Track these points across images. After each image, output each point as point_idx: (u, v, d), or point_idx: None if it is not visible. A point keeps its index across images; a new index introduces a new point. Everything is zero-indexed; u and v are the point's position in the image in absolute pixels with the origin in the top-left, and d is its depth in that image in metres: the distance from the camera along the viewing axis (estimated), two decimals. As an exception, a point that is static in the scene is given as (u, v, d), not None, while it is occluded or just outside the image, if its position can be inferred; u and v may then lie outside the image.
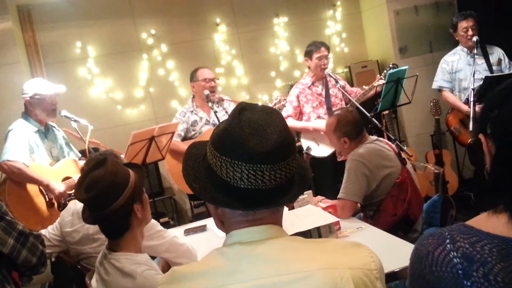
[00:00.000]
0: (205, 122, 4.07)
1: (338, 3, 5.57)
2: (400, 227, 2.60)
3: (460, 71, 4.34)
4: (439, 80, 4.46)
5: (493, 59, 4.25)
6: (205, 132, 4.02)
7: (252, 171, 0.99)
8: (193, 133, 4.08)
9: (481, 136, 1.00)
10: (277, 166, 1.00)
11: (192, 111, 4.09)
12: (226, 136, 1.02)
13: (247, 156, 0.98)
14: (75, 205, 2.47)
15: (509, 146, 0.93)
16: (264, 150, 0.98)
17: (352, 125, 2.81)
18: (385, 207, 2.67)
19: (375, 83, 4.05)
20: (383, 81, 3.93)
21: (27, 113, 3.27)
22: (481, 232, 0.93)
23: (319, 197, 2.95)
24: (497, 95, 0.99)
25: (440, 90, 4.47)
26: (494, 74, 4.12)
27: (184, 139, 4.08)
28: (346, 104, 4.14)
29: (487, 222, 0.95)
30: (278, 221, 1.07)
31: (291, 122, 4.13)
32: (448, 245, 0.93)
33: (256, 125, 1.01)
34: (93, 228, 2.34)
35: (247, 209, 1.02)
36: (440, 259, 0.93)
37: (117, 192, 1.70)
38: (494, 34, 4.41)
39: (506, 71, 4.20)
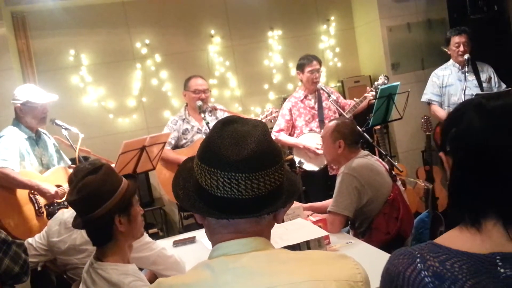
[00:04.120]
0: (196, 131, 4.07)
1: (332, 18, 5.63)
2: (392, 246, 2.59)
3: (450, 86, 4.39)
4: (429, 93, 4.50)
5: (483, 76, 4.30)
6: (197, 141, 4.01)
7: (227, 179, 1.00)
8: (184, 141, 4.07)
9: (441, 154, 1.04)
10: (254, 176, 1.00)
11: (184, 119, 4.09)
12: (207, 145, 1.05)
13: (221, 163, 1.00)
14: (63, 215, 2.45)
15: (464, 161, 0.96)
16: (238, 158, 0.99)
17: (350, 130, 2.83)
18: (377, 225, 2.66)
19: (366, 95, 4.08)
20: (373, 93, 3.96)
21: (18, 120, 3.25)
22: (450, 250, 0.94)
23: (309, 211, 2.94)
24: (454, 115, 1.03)
25: (429, 103, 4.51)
26: (484, 92, 4.16)
27: (176, 147, 4.07)
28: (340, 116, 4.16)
29: (456, 239, 0.96)
30: (263, 233, 1.07)
31: (283, 137, 4.14)
32: (419, 265, 0.94)
33: (238, 135, 1.02)
34: (79, 239, 2.31)
35: (221, 217, 1.02)
36: (411, 279, 0.93)
37: (101, 199, 1.69)
38: (485, 52, 4.47)
39: (495, 89, 4.26)
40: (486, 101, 0.98)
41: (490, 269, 0.90)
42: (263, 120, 4.04)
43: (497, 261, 0.90)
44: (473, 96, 4.02)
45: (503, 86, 4.31)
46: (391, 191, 2.71)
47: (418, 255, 0.95)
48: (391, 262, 0.99)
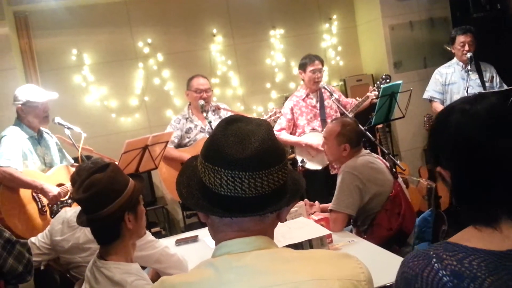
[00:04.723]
0: (200, 130, 4.07)
1: (334, 17, 5.62)
2: (395, 241, 2.60)
3: (453, 84, 4.38)
4: (431, 90, 4.50)
5: (486, 76, 4.30)
6: (200, 140, 4.02)
7: (230, 178, 1.00)
8: (187, 140, 4.08)
9: (439, 169, 1.03)
10: (257, 175, 1.00)
11: (187, 118, 4.10)
12: (211, 144, 1.05)
13: (225, 162, 1.00)
14: (66, 214, 2.45)
15: (462, 169, 0.97)
16: (242, 157, 0.99)
17: (355, 133, 2.82)
18: (379, 221, 2.66)
19: (368, 94, 4.08)
20: (376, 92, 3.95)
21: (20, 120, 3.26)
22: (467, 247, 0.93)
23: (315, 208, 2.93)
24: (439, 127, 1.03)
25: (430, 100, 4.51)
26: (487, 91, 4.16)
27: (179, 146, 4.08)
28: (342, 115, 4.15)
29: (471, 238, 0.96)
30: (267, 232, 1.07)
31: (285, 136, 4.14)
32: (436, 264, 0.93)
33: (242, 134, 1.03)
34: (83, 238, 2.32)
35: (224, 216, 1.02)
36: (430, 279, 0.92)
37: (111, 197, 1.70)
38: (487, 51, 4.46)
39: (496, 89, 4.25)
40: (469, 105, 0.99)
41: (508, 266, 0.89)
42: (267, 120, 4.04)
43: None
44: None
45: (505, 86, 4.30)
46: (392, 188, 2.71)
47: (434, 255, 0.94)
48: (406, 265, 0.97)
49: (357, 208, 2.67)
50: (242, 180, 0.99)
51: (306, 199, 3.00)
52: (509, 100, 3.63)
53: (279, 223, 1.12)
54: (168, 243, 2.51)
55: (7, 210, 2.99)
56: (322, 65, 4.17)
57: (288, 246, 2.06)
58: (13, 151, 3.08)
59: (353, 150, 2.80)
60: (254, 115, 5.02)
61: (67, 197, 3.22)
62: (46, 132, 3.46)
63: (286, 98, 4.76)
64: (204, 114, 3.86)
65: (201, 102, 3.91)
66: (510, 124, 0.96)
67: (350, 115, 3.86)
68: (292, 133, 4.22)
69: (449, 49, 4.41)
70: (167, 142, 3.62)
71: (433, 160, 1.05)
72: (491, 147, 0.93)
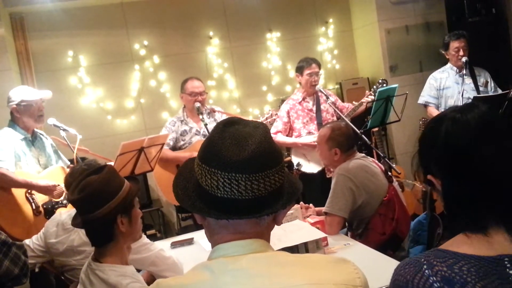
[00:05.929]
0: (195, 133, 4.06)
1: (331, 20, 5.64)
2: (389, 246, 2.60)
3: (448, 89, 4.41)
4: (426, 95, 4.52)
5: (480, 80, 4.33)
6: (195, 143, 4.01)
7: (227, 180, 1.00)
8: (182, 143, 4.06)
9: (430, 177, 1.05)
10: (254, 177, 1.00)
11: (182, 121, 4.09)
12: (208, 145, 1.05)
13: (222, 164, 1.00)
14: (60, 216, 2.45)
15: (453, 177, 0.98)
16: (239, 159, 0.99)
17: (345, 137, 2.83)
18: (373, 226, 2.67)
19: (365, 99, 4.08)
20: (372, 97, 3.96)
21: (14, 121, 3.26)
22: (457, 253, 0.94)
23: (310, 211, 2.93)
24: (428, 131, 1.05)
25: (426, 105, 4.53)
26: (482, 95, 4.18)
27: (174, 148, 4.06)
28: (338, 119, 4.16)
29: (461, 244, 0.96)
30: (263, 235, 1.07)
31: (281, 138, 4.14)
32: (426, 271, 0.93)
33: (239, 136, 1.03)
34: (77, 240, 2.31)
35: (221, 218, 1.02)
36: (420, 286, 0.93)
37: (104, 199, 1.69)
38: (483, 55, 4.49)
39: (491, 93, 4.28)
40: (459, 114, 1.00)
41: (499, 271, 0.90)
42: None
43: (506, 263, 0.90)
44: (470, 100, 4.07)
45: (499, 91, 4.32)
46: (387, 192, 2.72)
47: (425, 262, 0.95)
48: (398, 273, 0.98)
49: (350, 211, 2.67)
50: (238, 182, 0.99)
51: (301, 202, 3.00)
52: (503, 105, 3.65)
53: (275, 226, 1.12)
54: (163, 245, 2.51)
55: (1, 212, 2.98)
56: (319, 68, 4.18)
57: (284, 249, 2.05)
58: (5, 152, 3.07)
59: (344, 154, 2.81)
60: (250, 118, 5.02)
61: (62, 197, 3.21)
62: (40, 134, 3.45)
63: (282, 101, 4.76)
64: (200, 117, 3.85)
65: (197, 104, 3.90)
66: (497, 132, 0.97)
67: (347, 119, 3.86)
68: (288, 136, 4.22)
69: (444, 53, 4.44)
70: (163, 144, 3.61)
71: (423, 168, 1.06)
72: (478, 155, 0.94)
